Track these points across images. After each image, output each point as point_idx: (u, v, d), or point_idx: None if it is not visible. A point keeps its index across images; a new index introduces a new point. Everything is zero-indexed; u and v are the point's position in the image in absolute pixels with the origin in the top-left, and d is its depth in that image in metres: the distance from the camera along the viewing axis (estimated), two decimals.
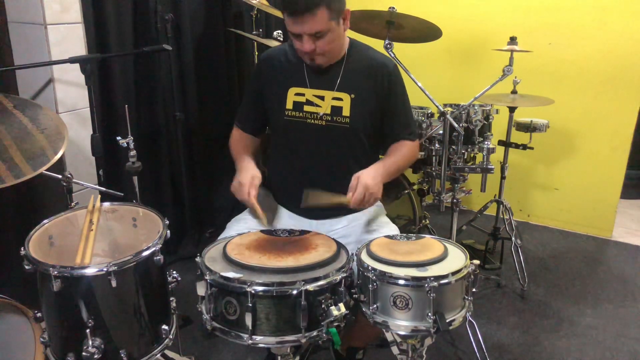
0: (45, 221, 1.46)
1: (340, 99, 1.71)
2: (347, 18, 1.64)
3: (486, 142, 2.41)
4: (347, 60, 1.73)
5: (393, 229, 1.74)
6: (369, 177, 1.58)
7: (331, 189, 1.60)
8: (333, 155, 1.74)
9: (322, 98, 1.72)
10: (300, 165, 1.77)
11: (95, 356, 1.24)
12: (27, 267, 1.28)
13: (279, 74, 1.77)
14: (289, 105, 1.73)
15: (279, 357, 1.42)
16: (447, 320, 1.28)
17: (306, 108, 1.72)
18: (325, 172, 1.74)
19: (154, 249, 1.33)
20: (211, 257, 1.42)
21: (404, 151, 1.78)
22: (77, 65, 1.93)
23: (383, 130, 1.80)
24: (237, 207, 2.99)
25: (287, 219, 1.79)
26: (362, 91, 1.72)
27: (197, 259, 1.39)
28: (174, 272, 1.48)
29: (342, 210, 1.74)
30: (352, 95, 1.71)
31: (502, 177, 2.72)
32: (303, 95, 1.73)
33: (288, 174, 1.81)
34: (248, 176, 1.65)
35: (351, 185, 1.58)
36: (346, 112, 1.71)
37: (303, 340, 1.28)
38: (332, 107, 1.71)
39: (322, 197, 1.60)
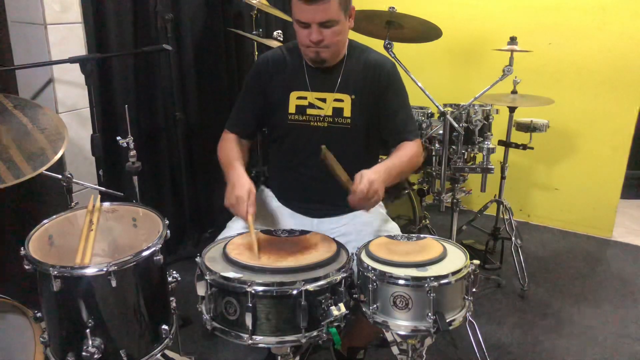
0: (45, 221, 1.46)
1: (341, 100, 1.72)
2: (353, 16, 1.65)
3: (486, 142, 2.41)
4: (347, 62, 1.73)
5: (394, 228, 1.74)
6: (372, 173, 1.54)
7: (334, 189, 1.58)
8: (335, 156, 1.74)
9: (323, 100, 1.72)
10: (303, 167, 1.77)
11: (95, 356, 1.24)
12: (27, 267, 1.28)
13: (279, 78, 1.76)
14: (292, 109, 1.73)
15: (279, 357, 1.42)
16: (447, 320, 1.28)
17: (309, 111, 1.72)
18: (327, 173, 1.72)
19: (154, 249, 1.34)
20: (211, 257, 1.42)
21: (405, 153, 1.75)
22: (77, 65, 1.93)
23: (382, 130, 1.79)
24: None
25: (288, 218, 1.79)
26: (361, 92, 1.72)
27: (197, 259, 1.39)
28: (174, 272, 1.48)
29: (343, 209, 1.72)
30: (353, 97, 1.71)
31: (502, 177, 2.72)
32: (305, 98, 1.73)
33: (290, 176, 1.81)
34: (245, 191, 1.53)
35: (355, 181, 1.54)
36: (347, 112, 1.71)
37: (303, 340, 1.28)
38: (334, 108, 1.72)
39: (336, 164, 1.55)
